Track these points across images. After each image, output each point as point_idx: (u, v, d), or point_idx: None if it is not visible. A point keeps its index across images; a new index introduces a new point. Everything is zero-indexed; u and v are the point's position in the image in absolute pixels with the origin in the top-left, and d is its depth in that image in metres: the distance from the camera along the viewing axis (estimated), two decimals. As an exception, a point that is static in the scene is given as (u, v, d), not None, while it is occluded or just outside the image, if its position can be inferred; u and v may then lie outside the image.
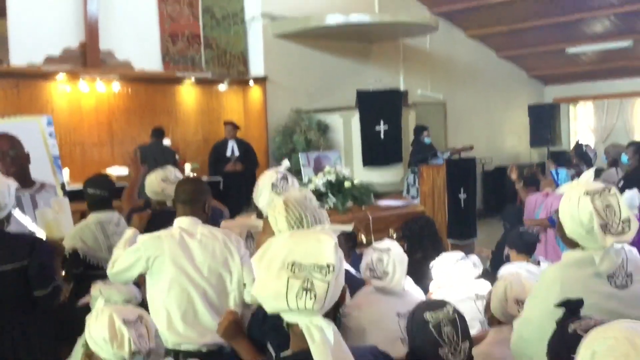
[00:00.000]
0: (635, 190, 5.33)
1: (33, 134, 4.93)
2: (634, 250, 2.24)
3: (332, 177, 6.53)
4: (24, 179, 4.83)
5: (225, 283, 2.86)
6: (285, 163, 3.26)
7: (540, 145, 12.67)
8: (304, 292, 1.53)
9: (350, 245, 4.38)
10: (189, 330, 2.78)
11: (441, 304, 2.17)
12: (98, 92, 8.05)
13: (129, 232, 3.18)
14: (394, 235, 6.16)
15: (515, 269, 3.48)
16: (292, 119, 9.01)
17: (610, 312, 2.00)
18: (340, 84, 9.73)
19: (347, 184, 6.57)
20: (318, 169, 7.43)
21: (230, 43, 9.17)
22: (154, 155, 7.43)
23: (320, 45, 9.67)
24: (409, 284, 3.15)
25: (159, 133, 7.87)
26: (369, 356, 1.89)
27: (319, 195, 6.21)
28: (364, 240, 5.82)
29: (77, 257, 3.83)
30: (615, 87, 13.03)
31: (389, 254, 2.97)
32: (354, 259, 3.88)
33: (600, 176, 7.26)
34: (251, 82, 9.19)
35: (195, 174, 8.13)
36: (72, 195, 5.19)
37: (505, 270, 3.57)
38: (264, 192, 2.94)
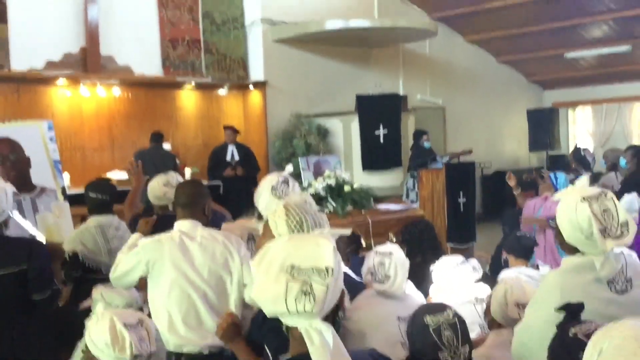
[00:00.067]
0: (634, 194, 5.34)
1: (34, 138, 4.94)
2: (634, 254, 2.25)
3: (332, 182, 6.54)
4: (25, 184, 4.84)
5: (226, 285, 2.87)
6: (289, 168, 3.29)
7: (540, 149, 12.69)
8: (303, 295, 1.53)
9: (354, 248, 4.39)
10: (191, 332, 2.78)
11: (442, 308, 2.17)
12: (98, 96, 8.06)
13: (134, 236, 3.19)
14: (394, 239, 6.17)
15: (514, 274, 3.49)
16: (292, 123, 9.02)
17: (610, 317, 2.00)
18: (340, 88, 9.75)
19: (346, 188, 6.58)
20: (318, 173, 7.44)
21: (230, 48, 9.19)
22: (153, 159, 7.43)
23: (320, 50, 9.70)
24: (409, 288, 3.16)
25: (158, 137, 7.86)
26: (369, 359, 1.90)
27: (319, 200, 6.22)
28: (364, 244, 5.83)
29: (76, 260, 3.84)
30: (614, 92, 13.05)
31: (391, 258, 2.98)
32: (355, 262, 3.89)
33: (600, 180, 7.28)
34: (251, 87, 9.20)
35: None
36: (73, 200, 5.20)
37: (505, 275, 3.58)
38: (263, 194, 2.96)
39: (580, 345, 1.69)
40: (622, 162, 7.18)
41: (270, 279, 1.58)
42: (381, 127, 8.53)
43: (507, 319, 2.68)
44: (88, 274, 3.83)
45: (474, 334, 2.90)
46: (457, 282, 3.51)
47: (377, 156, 8.58)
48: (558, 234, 2.24)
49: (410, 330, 2.17)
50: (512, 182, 6.17)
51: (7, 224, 3.25)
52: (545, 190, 5.92)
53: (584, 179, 2.27)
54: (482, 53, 12.60)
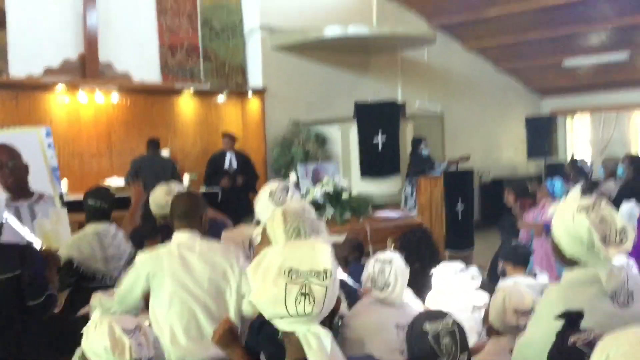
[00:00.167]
0: (633, 202, 5.35)
1: (32, 144, 4.93)
2: (634, 267, 2.23)
3: (330, 189, 6.55)
4: (23, 190, 4.84)
5: (226, 295, 2.86)
6: (293, 177, 3.29)
7: (538, 157, 12.71)
8: (303, 296, 1.55)
9: (357, 255, 4.39)
10: (192, 343, 2.77)
11: (441, 315, 2.16)
12: (97, 103, 8.06)
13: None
14: (392, 246, 6.17)
15: (513, 283, 3.49)
16: (291, 130, 9.03)
17: (611, 331, 2.00)
18: (339, 95, 9.76)
19: (345, 195, 6.58)
20: (316, 180, 7.45)
21: (229, 55, 9.21)
22: (152, 166, 7.42)
23: (319, 57, 9.72)
24: (408, 296, 3.16)
25: (155, 144, 7.79)
26: (367, 366, 1.90)
27: (317, 207, 6.22)
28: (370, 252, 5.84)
29: (71, 266, 3.83)
30: (612, 100, 13.08)
31: (392, 266, 2.98)
32: (354, 269, 3.88)
33: (598, 188, 7.30)
34: (250, 94, 9.21)
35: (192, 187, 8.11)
36: (71, 206, 5.19)
37: (503, 285, 3.57)
38: (261, 199, 2.96)
39: (578, 353, 1.68)
40: (619, 170, 7.21)
41: (268, 284, 1.59)
42: (379, 134, 8.54)
43: (505, 326, 2.67)
44: (83, 282, 3.82)
45: (470, 342, 2.89)
46: (456, 289, 3.51)
47: (375, 163, 8.58)
48: (556, 250, 2.18)
49: (409, 337, 2.17)
50: (510, 199, 6.17)
51: (1, 231, 3.25)
52: (543, 197, 5.95)
53: (577, 188, 2.24)
54: (480, 60, 12.63)
